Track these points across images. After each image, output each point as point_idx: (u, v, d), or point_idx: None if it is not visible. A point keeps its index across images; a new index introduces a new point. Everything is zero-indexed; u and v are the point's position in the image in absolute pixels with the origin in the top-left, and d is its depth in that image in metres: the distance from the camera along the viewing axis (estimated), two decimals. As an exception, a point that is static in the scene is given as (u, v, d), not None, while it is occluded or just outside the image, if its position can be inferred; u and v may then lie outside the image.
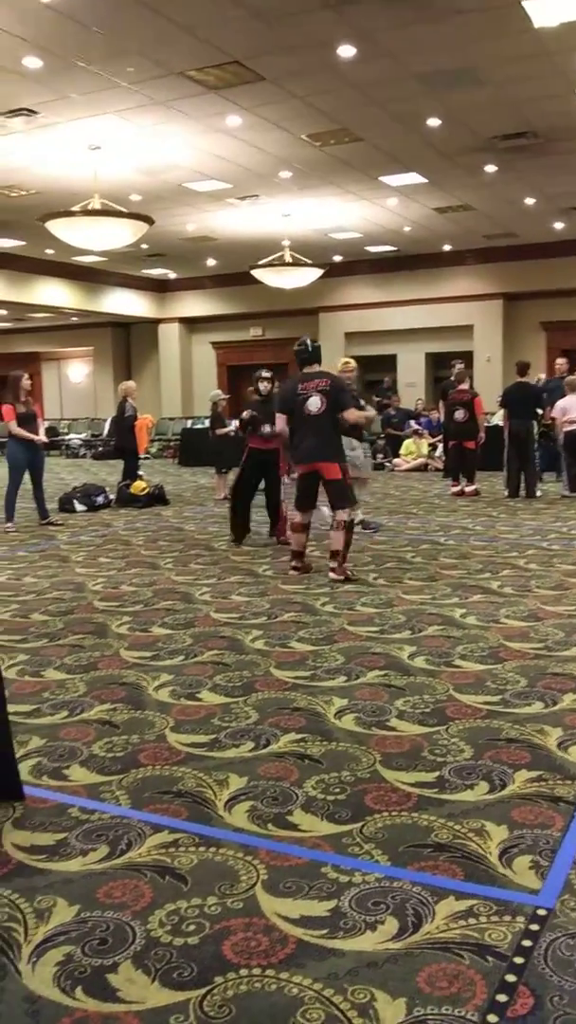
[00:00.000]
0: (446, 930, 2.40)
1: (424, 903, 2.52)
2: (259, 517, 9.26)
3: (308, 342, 7.37)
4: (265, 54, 8.60)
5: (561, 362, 14.63)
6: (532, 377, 13.29)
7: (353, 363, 9.41)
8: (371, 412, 9.65)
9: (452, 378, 13.32)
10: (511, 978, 2.20)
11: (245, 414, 8.71)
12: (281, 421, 7.33)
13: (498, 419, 14.27)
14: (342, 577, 6.96)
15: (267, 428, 8.43)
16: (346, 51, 8.51)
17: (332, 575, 7.01)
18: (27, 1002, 2.15)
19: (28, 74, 8.97)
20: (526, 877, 2.65)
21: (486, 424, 13.28)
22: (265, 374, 8.95)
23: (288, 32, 8.07)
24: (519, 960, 2.26)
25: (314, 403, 6.99)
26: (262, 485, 8.86)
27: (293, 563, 7.37)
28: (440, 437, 16.30)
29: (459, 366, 13.42)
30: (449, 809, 3.09)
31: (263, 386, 8.84)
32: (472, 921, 2.43)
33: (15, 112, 10.10)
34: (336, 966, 2.26)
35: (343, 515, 7.01)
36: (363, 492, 9.61)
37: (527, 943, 2.33)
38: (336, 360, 9.47)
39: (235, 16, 7.71)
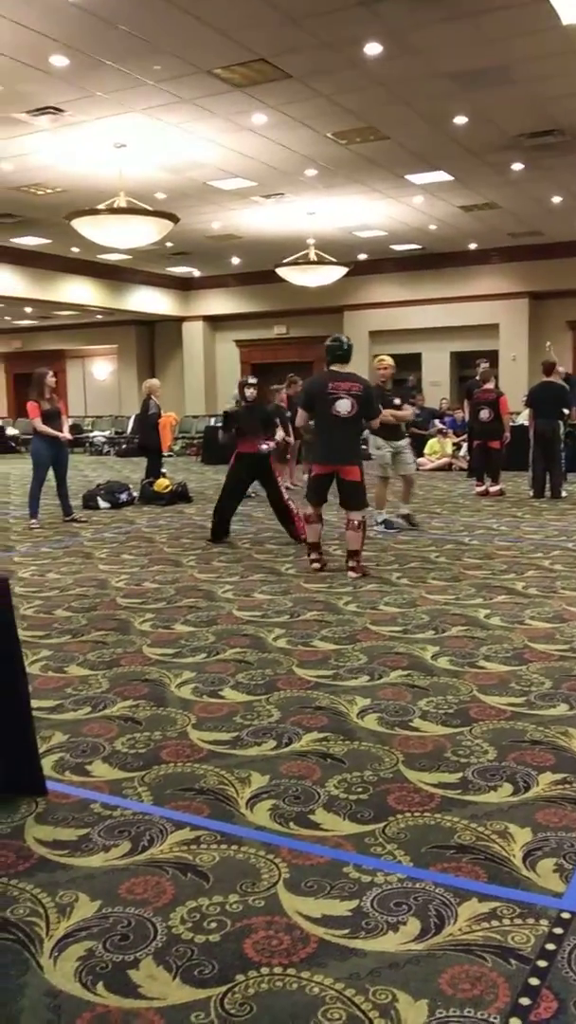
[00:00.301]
0: (469, 932, 2.38)
1: (447, 904, 2.51)
2: (273, 522, 9.25)
3: (344, 339, 7.25)
4: (291, 52, 8.59)
5: None
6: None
7: (389, 360, 9.37)
8: (408, 411, 9.59)
9: (478, 377, 13.25)
10: (534, 981, 2.18)
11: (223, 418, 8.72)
12: (302, 418, 7.31)
13: (523, 419, 14.18)
14: (360, 574, 7.00)
15: (264, 446, 8.43)
16: (373, 49, 8.49)
17: (352, 574, 7.04)
18: (49, 996, 2.16)
19: (54, 72, 9.01)
20: (550, 880, 2.62)
21: (512, 424, 13.19)
22: (251, 380, 8.82)
23: (315, 30, 8.05)
24: (542, 963, 2.24)
25: (344, 405, 6.92)
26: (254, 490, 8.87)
27: (312, 556, 7.36)
28: (464, 436, 16.22)
29: (484, 365, 13.35)
30: (472, 811, 3.07)
31: (249, 392, 8.65)
32: (495, 923, 2.42)
33: (42, 110, 10.15)
34: (358, 966, 2.25)
35: (358, 516, 7.07)
36: (387, 491, 9.59)
37: (551, 946, 2.31)
38: (364, 359, 9.46)
39: (264, 15, 7.70)
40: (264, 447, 8.45)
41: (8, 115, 10.28)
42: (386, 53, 8.58)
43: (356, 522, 7.06)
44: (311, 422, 7.23)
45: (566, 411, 12.29)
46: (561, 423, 12.18)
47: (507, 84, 9.50)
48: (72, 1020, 2.09)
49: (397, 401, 9.15)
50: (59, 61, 8.73)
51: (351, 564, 7.11)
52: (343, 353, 7.16)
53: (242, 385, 8.84)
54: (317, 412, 7.04)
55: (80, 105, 10.02)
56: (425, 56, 8.71)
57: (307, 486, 7.35)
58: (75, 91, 9.57)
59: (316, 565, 7.29)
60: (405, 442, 9.42)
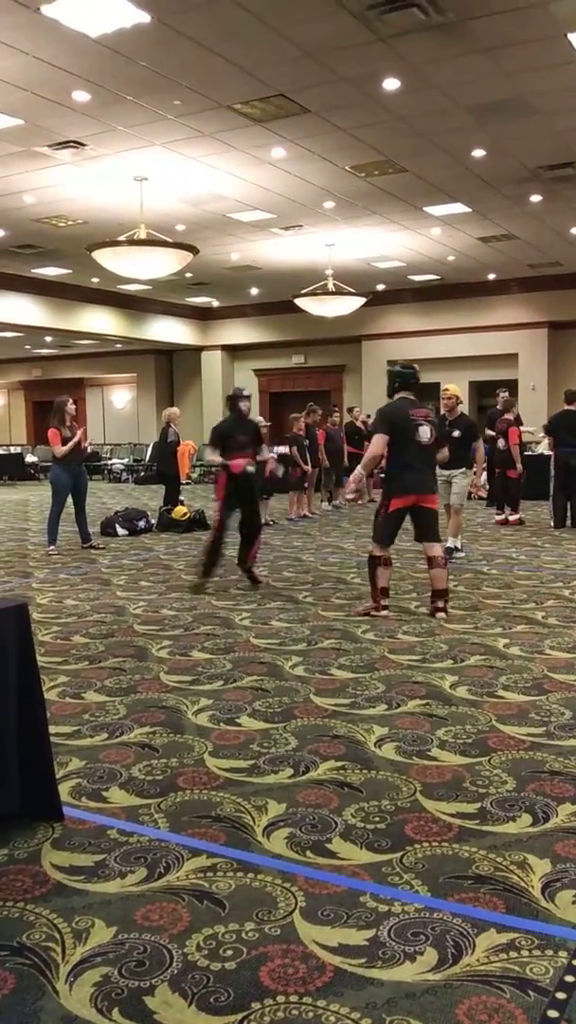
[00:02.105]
0: (487, 963, 2.36)
1: (464, 935, 2.49)
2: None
3: (415, 366, 6.94)
4: (310, 87, 8.70)
5: None
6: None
7: (454, 389, 9.27)
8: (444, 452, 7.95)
9: (499, 407, 13.26)
10: (553, 1014, 2.16)
11: (251, 469, 7.83)
12: (382, 444, 6.67)
13: (544, 447, 14.14)
14: (447, 614, 6.64)
15: (250, 467, 7.81)
16: (391, 84, 8.58)
17: (441, 615, 6.63)
18: (64, 1022, 2.15)
19: (77, 107, 9.16)
20: (569, 912, 2.60)
21: (530, 452, 13.15)
22: (246, 392, 8.34)
23: (333, 65, 8.16)
24: (561, 995, 2.22)
25: (425, 433, 6.61)
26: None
27: (384, 603, 6.78)
28: (484, 465, 16.20)
29: (504, 395, 13.35)
30: (491, 841, 3.05)
31: (244, 405, 8.14)
32: (513, 955, 2.39)
33: (63, 144, 10.31)
34: (374, 996, 2.23)
35: (439, 548, 6.76)
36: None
37: (570, 979, 2.29)
38: (377, 389, 9.44)
39: (283, 51, 7.82)
40: (250, 467, 7.84)
41: (31, 149, 10.45)
42: (404, 87, 8.68)
43: (443, 558, 6.73)
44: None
45: None
46: None
47: (525, 117, 9.58)
48: (87, 1047, 2.08)
49: (456, 434, 8.85)
50: (81, 96, 8.88)
51: (440, 604, 6.68)
52: (415, 380, 6.83)
53: (237, 397, 8.16)
54: (398, 441, 6.58)
55: (101, 139, 10.17)
56: (443, 90, 8.80)
57: (380, 524, 6.76)
58: (97, 125, 9.72)
59: (386, 612, 6.74)
60: (459, 472, 9.10)
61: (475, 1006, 2.18)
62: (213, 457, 7.98)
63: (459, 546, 9.35)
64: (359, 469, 6.99)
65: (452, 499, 9.20)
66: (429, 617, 6.60)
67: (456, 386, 9.57)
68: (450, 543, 9.13)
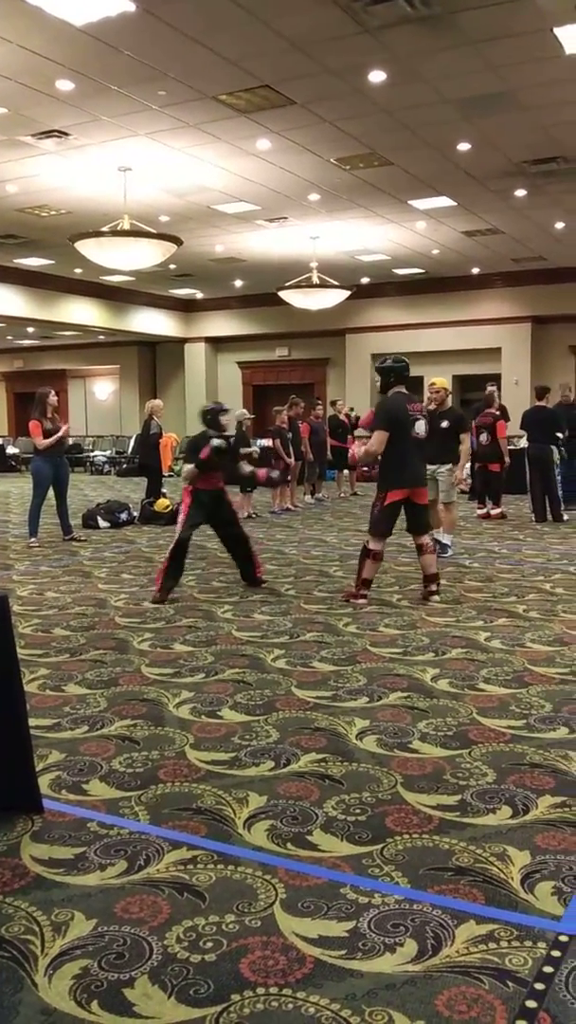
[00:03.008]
0: (466, 954, 2.37)
1: (444, 926, 2.49)
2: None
3: (405, 359, 6.98)
4: (296, 79, 8.67)
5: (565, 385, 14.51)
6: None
7: (439, 383, 9.23)
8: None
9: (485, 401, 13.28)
10: (531, 1004, 2.17)
11: (217, 443, 7.05)
12: (383, 441, 6.66)
13: (524, 442, 14.19)
14: (439, 596, 6.93)
15: (243, 468, 7.45)
16: (377, 76, 8.57)
17: (436, 597, 6.91)
18: (43, 1015, 2.15)
19: (61, 96, 9.09)
20: (548, 903, 2.61)
21: (511, 447, 13.22)
22: (225, 407, 7.67)
23: (319, 57, 8.13)
24: (540, 986, 2.23)
25: (421, 427, 6.73)
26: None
27: (364, 592, 6.89)
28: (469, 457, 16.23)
29: (492, 389, 13.36)
30: (471, 833, 3.06)
31: (225, 420, 7.44)
32: (492, 946, 2.40)
33: (47, 133, 10.23)
34: (354, 987, 2.24)
35: (428, 537, 6.98)
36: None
37: (548, 969, 2.30)
38: (366, 382, 9.34)
39: (269, 42, 7.79)
40: (245, 469, 7.68)
41: (13, 138, 10.37)
42: (390, 80, 8.67)
43: (431, 544, 7.00)
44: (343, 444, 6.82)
45: (559, 435, 12.30)
46: (555, 447, 12.18)
47: (510, 111, 9.58)
48: (66, 1039, 2.07)
49: (445, 424, 8.76)
50: (65, 85, 8.82)
51: (433, 588, 6.95)
52: (408, 373, 6.90)
53: (217, 412, 7.37)
54: (396, 436, 6.63)
55: (85, 129, 10.11)
56: (429, 83, 8.79)
57: (378, 518, 6.78)
58: (80, 115, 9.66)
59: (364, 601, 6.84)
60: (445, 468, 8.84)
61: (454, 997, 2.19)
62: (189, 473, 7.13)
63: (450, 543, 9.26)
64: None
65: (441, 496, 8.92)
66: (412, 609, 6.62)
67: (444, 379, 9.54)
68: (445, 540, 9.02)
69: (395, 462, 6.71)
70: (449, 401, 9.37)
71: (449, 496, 9.06)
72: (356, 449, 6.93)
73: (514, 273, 19.48)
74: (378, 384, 7.09)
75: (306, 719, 4.25)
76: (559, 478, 12.32)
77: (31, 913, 2.57)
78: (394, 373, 6.82)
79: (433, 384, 9.28)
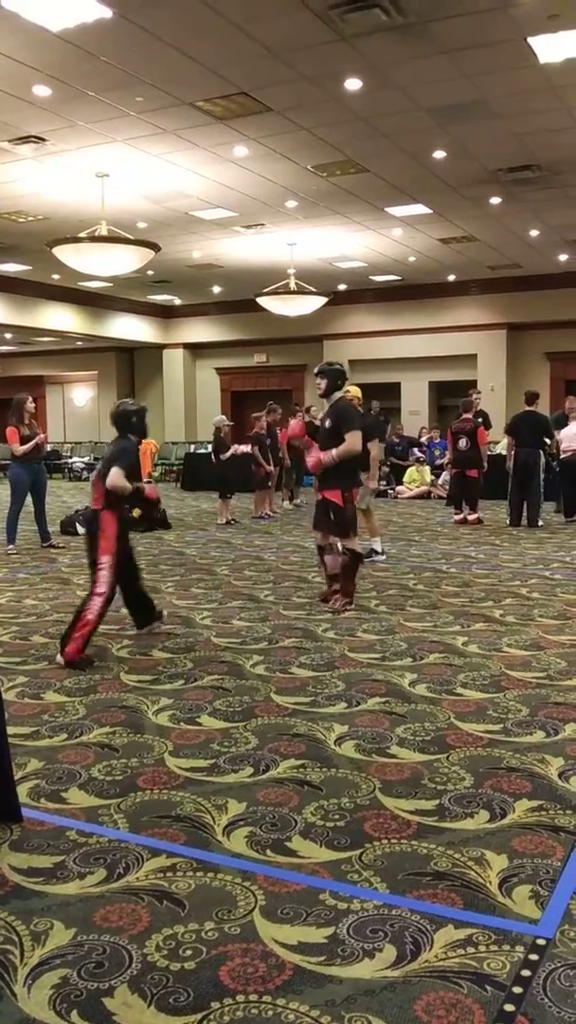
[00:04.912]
0: (444, 959, 2.38)
1: (423, 931, 2.50)
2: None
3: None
4: (272, 86, 8.70)
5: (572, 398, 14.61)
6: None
7: (352, 391, 9.20)
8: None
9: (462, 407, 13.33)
10: (509, 1008, 2.18)
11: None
12: (359, 440, 6.90)
13: (502, 448, 14.28)
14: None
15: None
16: (353, 84, 8.62)
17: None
18: (22, 1026, 2.14)
19: (37, 102, 9.08)
20: (526, 907, 2.63)
21: (489, 453, 13.30)
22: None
23: (296, 65, 8.17)
24: (518, 990, 2.24)
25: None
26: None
27: (335, 588, 7.05)
28: (448, 462, 16.30)
29: (476, 396, 13.40)
30: (449, 837, 3.08)
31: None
32: (471, 950, 2.42)
33: (24, 139, 10.21)
34: (333, 993, 2.24)
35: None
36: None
37: (526, 973, 2.31)
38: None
39: (246, 49, 7.82)
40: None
41: (-9, 143, 10.35)
42: (366, 87, 8.72)
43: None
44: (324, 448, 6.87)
45: (547, 440, 12.41)
46: (542, 453, 12.28)
47: (485, 119, 9.66)
48: (45, 1049, 2.07)
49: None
50: (42, 91, 8.80)
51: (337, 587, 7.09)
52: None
53: (144, 413, 6.76)
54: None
55: (62, 135, 10.10)
56: (404, 91, 8.85)
57: (351, 517, 6.97)
58: (58, 121, 9.65)
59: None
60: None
61: (433, 1002, 2.20)
62: (124, 483, 6.11)
63: (381, 549, 9.35)
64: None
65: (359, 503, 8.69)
66: (390, 614, 6.63)
67: (356, 388, 9.30)
68: (376, 545, 9.23)
69: (355, 463, 7.02)
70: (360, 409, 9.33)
71: (363, 501, 9.00)
72: (321, 455, 6.86)
73: (490, 280, 19.62)
74: (322, 386, 6.97)
75: (285, 725, 4.26)
76: (543, 483, 12.39)
77: (10, 923, 2.56)
78: (342, 377, 7.03)
79: (348, 392, 9.20)
